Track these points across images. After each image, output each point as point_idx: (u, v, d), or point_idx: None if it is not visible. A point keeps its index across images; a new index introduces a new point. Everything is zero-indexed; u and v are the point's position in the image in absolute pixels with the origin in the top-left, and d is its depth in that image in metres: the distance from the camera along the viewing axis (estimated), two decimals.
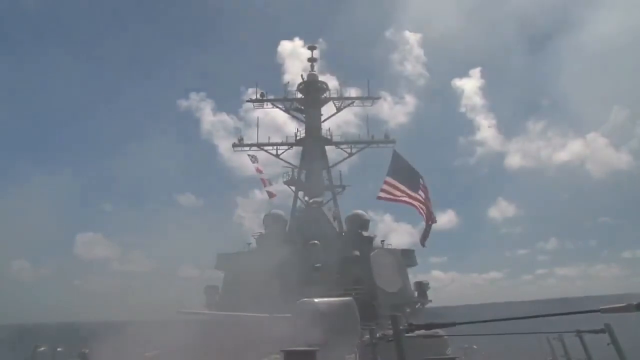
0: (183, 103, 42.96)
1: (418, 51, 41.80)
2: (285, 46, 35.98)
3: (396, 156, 26.83)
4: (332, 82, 33.02)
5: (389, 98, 37.33)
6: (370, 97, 32.70)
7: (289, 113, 32.67)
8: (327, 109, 32.49)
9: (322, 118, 32.21)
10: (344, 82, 33.10)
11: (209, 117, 36.63)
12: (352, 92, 32.81)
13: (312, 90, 31.76)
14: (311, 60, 33.06)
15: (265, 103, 32.55)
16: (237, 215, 35.74)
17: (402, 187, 25.21)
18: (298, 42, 35.26)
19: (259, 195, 30.61)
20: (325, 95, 32.26)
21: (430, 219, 23.14)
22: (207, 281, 26.63)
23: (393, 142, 31.29)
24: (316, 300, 21.09)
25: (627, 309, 3.12)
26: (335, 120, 32.84)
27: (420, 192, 24.82)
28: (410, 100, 37.43)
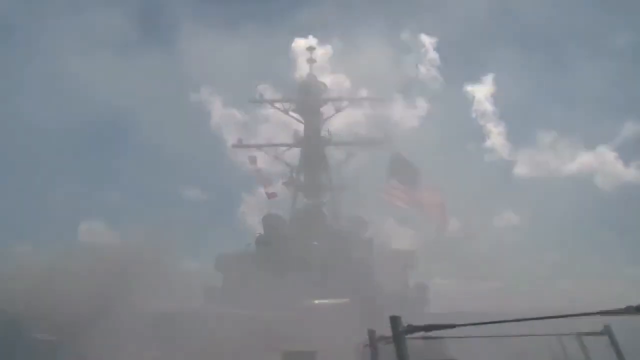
0: (193, 96, 42.99)
1: (433, 55, 41.75)
2: (298, 43, 35.81)
3: (396, 157, 26.92)
4: (345, 82, 33.07)
5: (401, 100, 37.37)
6: (371, 98, 32.65)
7: (288, 114, 32.56)
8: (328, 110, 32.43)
9: (323, 119, 32.23)
10: (355, 82, 33.14)
11: (219, 111, 36.58)
12: (364, 93, 32.85)
13: (311, 92, 31.71)
14: (310, 61, 33.01)
15: (265, 104, 32.50)
16: (241, 211, 35.63)
17: (402, 187, 25.32)
18: (312, 40, 35.22)
19: (264, 191, 30.59)
20: (324, 96, 32.21)
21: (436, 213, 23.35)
22: (207, 279, 26.56)
23: (393, 142, 31.14)
24: (316, 301, 21.20)
25: (627, 311, 3.12)
26: (345, 120, 32.68)
27: (422, 192, 24.92)
28: (422, 103, 37.50)
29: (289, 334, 16.34)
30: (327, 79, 33.35)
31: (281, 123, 33.13)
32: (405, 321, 3.66)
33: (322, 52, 34.82)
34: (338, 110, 32.35)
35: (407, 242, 29.32)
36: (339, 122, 32.65)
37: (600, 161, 48.78)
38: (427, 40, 43.86)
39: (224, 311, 18.81)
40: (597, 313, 3.26)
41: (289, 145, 31.78)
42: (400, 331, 3.56)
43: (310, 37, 34.91)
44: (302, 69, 33.51)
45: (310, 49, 33.34)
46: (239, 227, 31.39)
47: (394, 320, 3.61)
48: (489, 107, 43.60)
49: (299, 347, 15.08)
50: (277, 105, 32.37)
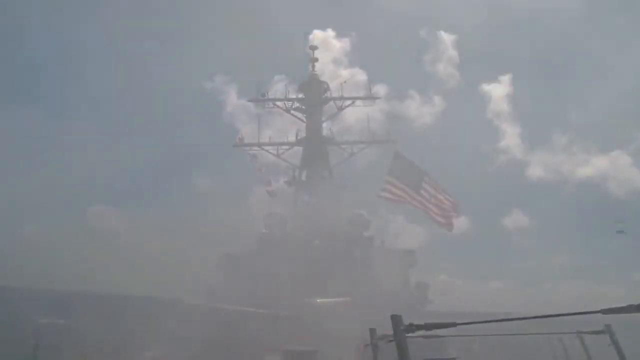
0: (207, 85, 43.02)
1: (452, 53, 41.70)
2: (317, 35, 35.69)
3: (397, 156, 26.90)
4: (361, 77, 33.14)
5: (417, 97, 37.42)
6: (371, 97, 32.56)
7: (290, 113, 32.50)
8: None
9: (324, 117, 32.23)
10: (372, 77, 33.20)
11: (233, 101, 36.51)
12: (380, 89, 32.88)
13: (313, 91, 31.68)
14: (312, 60, 32.96)
15: (266, 103, 32.42)
16: (251, 201, 35.48)
17: (403, 186, 25.31)
18: (330, 33, 35.07)
19: (265, 190, 30.50)
20: (326, 95, 32.16)
21: (439, 213, 23.37)
22: (209, 274, 26.46)
23: (394, 142, 31.01)
24: (317, 300, 21.21)
25: (627, 310, 3.12)
26: (359, 115, 32.51)
27: (423, 192, 24.90)
28: (438, 101, 37.55)
29: (290, 333, 16.36)
30: (343, 72, 33.26)
31: (292, 118, 32.86)
32: (406, 320, 3.66)
33: (340, 45, 34.73)
34: (340, 109, 32.33)
35: (415, 240, 29.23)
36: (351, 117, 32.53)
37: (614, 166, 48.12)
38: (446, 37, 43.67)
39: (225, 308, 18.81)
40: (598, 312, 3.26)
41: (291, 144, 31.72)
42: (401, 330, 3.56)
43: (329, 29, 34.77)
44: (321, 61, 33.34)
45: (313, 47, 33.32)
46: (246, 221, 31.11)
47: (395, 319, 3.62)
48: (505, 107, 43.37)
49: (299, 346, 15.10)
50: (279, 103, 32.28)
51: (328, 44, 34.21)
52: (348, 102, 32.21)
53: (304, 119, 32.00)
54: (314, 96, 31.68)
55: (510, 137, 43.63)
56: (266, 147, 31.56)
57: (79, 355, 12.70)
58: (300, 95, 32.07)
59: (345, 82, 32.55)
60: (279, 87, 32.60)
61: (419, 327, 3.56)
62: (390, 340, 3.67)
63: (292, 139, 31.54)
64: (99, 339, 12.89)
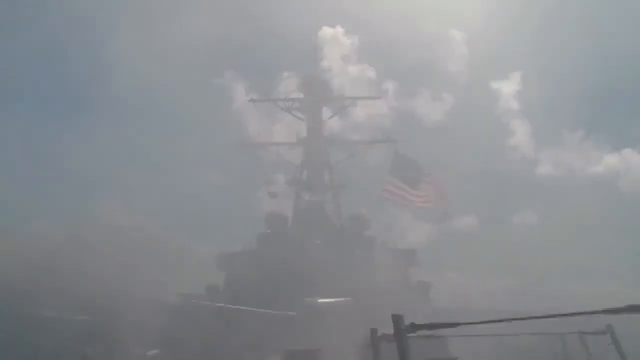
0: (216, 80, 42.49)
1: (462, 49, 41.50)
2: (326, 32, 35.60)
3: (397, 155, 27.03)
4: (369, 73, 33.29)
5: (426, 94, 37.38)
6: (372, 97, 32.57)
7: (290, 112, 32.49)
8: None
9: (329, 115, 32.31)
10: (380, 74, 33.18)
11: (241, 97, 36.16)
12: (389, 86, 32.87)
13: (313, 91, 31.68)
14: (314, 59, 32.97)
15: (267, 103, 32.42)
16: (253, 200, 35.40)
17: (404, 185, 25.43)
18: (339, 30, 35.12)
19: (281, 179, 30.55)
20: (327, 94, 32.14)
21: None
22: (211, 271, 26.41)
23: (394, 141, 31.01)
24: (318, 300, 21.20)
25: (628, 310, 3.12)
26: (366, 112, 32.63)
27: (422, 189, 25.03)
28: (447, 98, 37.43)
29: (290, 333, 16.36)
30: (352, 69, 33.27)
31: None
32: (408, 319, 3.65)
33: (349, 42, 34.74)
34: (341, 109, 32.37)
35: (422, 237, 29.12)
36: (360, 114, 32.49)
37: (626, 164, 47.75)
38: (457, 34, 43.53)
39: (225, 307, 18.81)
40: (600, 312, 3.26)
41: (292, 144, 31.74)
42: (402, 329, 3.56)
43: (338, 26, 34.75)
44: (329, 57, 33.24)
45: (315, 47, 33.33)
46: (249, 218, 30.97)
47: (396, 319, 3.61)
48: (514, 104, 43.12)
49: (300, 346, 15.09)
50: (280, 103, 32.28)
51: (337, 41, 34.19)
52: (349, 101, 32.27)
53: (304, 119, 32.03)
54: (313, 96, 31.68)
55: (520, 134, 43.44)
56: (267, 147, 31.61)
57: (79, 354, 12.72)
58: (300, 95, 32.07)
59: (345, 81, 32.57)
60: (286, 84, 32.64)
61: (420, 327, 3.56)
62: (392, 340, 3.67)
63: (294, 138, 31.61)
64: (99, 337, 12.92)
